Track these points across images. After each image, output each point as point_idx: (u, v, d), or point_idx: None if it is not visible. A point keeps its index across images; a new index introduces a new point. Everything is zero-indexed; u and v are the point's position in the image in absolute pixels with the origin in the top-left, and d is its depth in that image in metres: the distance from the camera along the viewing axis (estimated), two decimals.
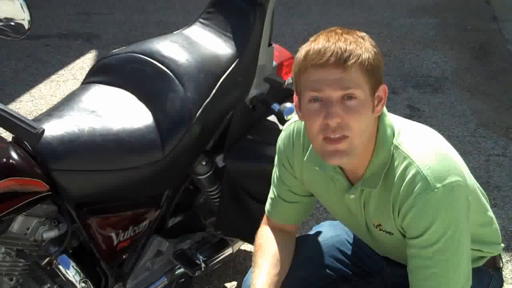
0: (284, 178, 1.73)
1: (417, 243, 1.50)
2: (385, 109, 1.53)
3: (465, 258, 1.53)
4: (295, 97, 1.53)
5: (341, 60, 1.39)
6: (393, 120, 1.56)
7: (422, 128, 1.60)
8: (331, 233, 1.88)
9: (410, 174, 1.46)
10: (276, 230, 1.76)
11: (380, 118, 1.52)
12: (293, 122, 1.71)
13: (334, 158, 1.46)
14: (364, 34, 1.48)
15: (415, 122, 1.62)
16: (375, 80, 1.44)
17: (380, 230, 1.60)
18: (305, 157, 1.64)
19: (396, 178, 1.49)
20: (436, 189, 1.44)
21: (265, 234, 1.76)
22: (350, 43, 1.41)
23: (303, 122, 1.63)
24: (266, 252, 1.70)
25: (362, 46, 1.42)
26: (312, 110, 1.44)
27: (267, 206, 1.80)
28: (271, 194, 1.79)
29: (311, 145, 1.60)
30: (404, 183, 1.47)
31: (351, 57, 1.39)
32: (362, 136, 1.45)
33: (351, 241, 1.88)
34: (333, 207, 1.74)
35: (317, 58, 1.40)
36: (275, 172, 1.77)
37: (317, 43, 1.42)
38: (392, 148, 1.51)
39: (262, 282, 1.62)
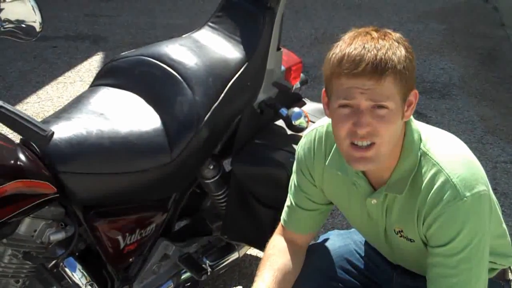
0: (303, 185, 1.72)
1: (442, 252, 1.48)
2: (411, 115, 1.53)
3: (486, 268, 1.53)
4: (323, 95, 1.51)
5: (376, 72, 1.36)
6: (418, 125, 1.55)
7: (447, 135, 1.58)
8: (339, 243, 1.87)
9: (439, 181, 1.46)
10: (289, 242, 1.74)
11: (407, 123, 1.51)
12: (314, 128, 1.69)
13: (360, 164, 1.46)
14: (399, 36, 1.45)
15: (439, 129, 1.61)
16: (407, 88, 1.42)
17: (401, 236, 1.59)
18: (327, 162, 1.63)
19: (423, 185, 1.48)
20: (465, 198, 1.44)
21: (277, 245, 1.74)
22: (386, 51, 1.38)
23: (324, 128, 1.63)
24: (273, 266, 1.67)
25: (397, 53, 1.39)
26: (341, 116, 1.43)
27: (283, 215, 1.78)
28: (287, 203, 1.77)
29: (333, 150, 1.60)
30: (433, 190, 1.46)
31: (385, 68, 1.37)
32: (390, 143, 1.44)
33: (359, 251, 1.86)
34: (352, 214, 1.72)
35: (352, 67, 1.37)
36: (293, 179, 1.75)
37: (353, 49, 1.39)
38: (419, 154, 1.50)
39: None
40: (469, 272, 1.48)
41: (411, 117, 1.53)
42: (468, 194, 1.44)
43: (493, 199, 1.58)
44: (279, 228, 1.79)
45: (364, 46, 1.39)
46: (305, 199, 1.73)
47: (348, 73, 1.38)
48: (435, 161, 1.48)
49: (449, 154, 1.50)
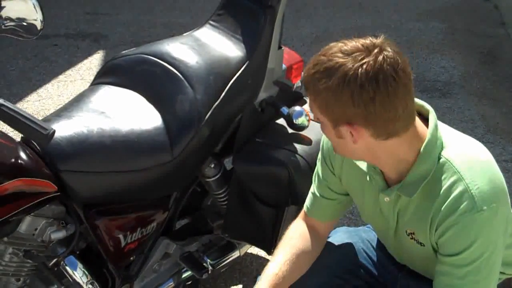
0: (324, 174, 1.75)
1: (452, 261, 1.47)
2: (437, 120, 1.49)
3: (495, 282, 1.51)
4: None
5: (308, 91, 1.43)
6: (444, 131, 1.51)
7: (472, 142, 1.53)
8: (346, 240, 1.87)
9: (457, 190, 1.42)
10: (310, 228, 1.78)
11: (430, 128, 1.47)
12: None
13: None
14: (371, 63, 1.32)
15: (464, 135, 1.55)
16: (334, 117, 1.41)
17: (412, 238, 1.58)
18: None
19: (441, 192, 1.44)
20: (482, 211, 1.40)
21: (298, 229, 1.78)
22: (320, 73, 1.36)
23: None
24: (290, 248, 1.72)
25: (330, 80, 1.35)
26: None
27: (307, 201, 1.82)
28: (311, 190, 1.81)
29: None
30: (450, 198, 1.43)
31: (311, 93, 1.41)
32: (346, 151, 1.50)
33: (366, 250, 1.87)
34: (366, 207, 1.71)
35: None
36: (317, 168, 1.79)
37: (314, 59, 1.41)
38: (438, 161, 1.45)
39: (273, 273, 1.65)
40: (476, 285, 1.46)
41: (437, 123, 1.48)
42: (485, 207, 1.40)
43: (510, 211, 1.54)
44: (302, 214, 1.83)
45: (320, 58, 1.39)
46: (325, 188, 1.76)
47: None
48: (456, 169, 1.43)
49: (471, 164, 1.45)
